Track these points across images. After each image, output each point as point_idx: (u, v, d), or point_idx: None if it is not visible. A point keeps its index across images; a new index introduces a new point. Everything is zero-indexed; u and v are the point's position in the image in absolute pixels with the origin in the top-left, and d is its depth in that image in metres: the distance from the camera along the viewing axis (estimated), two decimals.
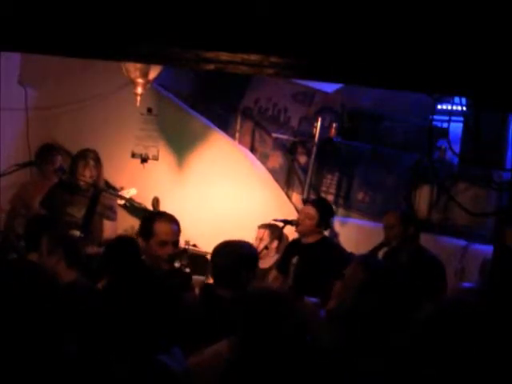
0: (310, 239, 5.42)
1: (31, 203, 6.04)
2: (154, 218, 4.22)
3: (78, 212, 5.73)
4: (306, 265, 5.31)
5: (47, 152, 6.35)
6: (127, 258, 4.00)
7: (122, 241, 4.33)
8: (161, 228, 4.11)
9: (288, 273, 5.44)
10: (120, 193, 6.16)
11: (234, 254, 3.73)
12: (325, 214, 5.45)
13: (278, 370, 2.75)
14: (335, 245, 5.83)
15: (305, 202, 5.78)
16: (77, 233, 5.50)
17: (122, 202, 6.15)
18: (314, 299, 3.93)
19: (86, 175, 5.79)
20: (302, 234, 5.47)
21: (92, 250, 5.30)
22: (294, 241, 5.73)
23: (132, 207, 6.32)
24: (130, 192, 6.18)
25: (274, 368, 2.75)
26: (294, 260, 5.41)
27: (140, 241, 4.15)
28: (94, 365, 2.47)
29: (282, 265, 5.61)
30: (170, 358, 2.76)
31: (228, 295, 3.57)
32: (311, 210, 5.43)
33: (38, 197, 5.95)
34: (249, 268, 3.76)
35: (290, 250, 5.64)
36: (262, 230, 6.08)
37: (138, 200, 6.30)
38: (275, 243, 6.12)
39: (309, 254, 5.32)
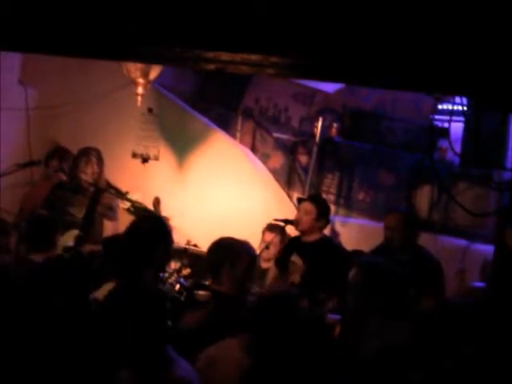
0: (311, 238, 5.42)
1: (40, 204, 6.02)
2: None
3: (79, 212, 5.71)
4: (306, 263, 5.31)
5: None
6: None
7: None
8: None
9: (287, 270, 5.44)
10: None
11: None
12: (322, 207, 5.46)
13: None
14: (335, 244, 5.83)
15: (300, 200, 5.77)
16: (77, 233, 5.50)
17: (125, 206, 6.10)
18: (336, 316, 3.97)
19: (88, 172, 5.78)
20: (303, 232, 5.46)
21: (90, 247, 5.28)
22: (294, 238, 5.73)
23: (135, 211, 6.27)
24: (134, 197, 6.16)
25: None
26: (294, 257, 5.41)
27: None
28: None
29: (281, 262, 5.60)
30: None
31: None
32: (308, 206, 5.43)
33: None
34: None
35: (289, 247, 5.63)
36: (270, 234, 6.02)
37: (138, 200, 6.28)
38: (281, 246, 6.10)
39: (309, 253, 5.32)
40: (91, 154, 5.86)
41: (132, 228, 4.10)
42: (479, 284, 4.79)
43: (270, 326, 3.03)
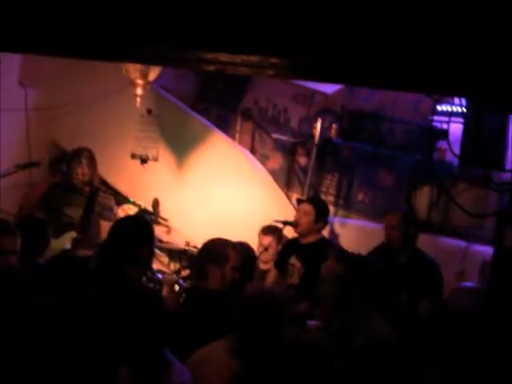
0: (309, 239, 5.42)
1: (38, 205, 6.03)
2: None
3: (76, 213, 5.72)
4: (305, 265, 5.32)
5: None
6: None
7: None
8: None
9: (286, 272, 5.45)
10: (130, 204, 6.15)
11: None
12: (320, 208, 5.47)
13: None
14: (333, 245, 5.83)
15: (299, 201, 5.79)
16: (74, 235, 5.49)
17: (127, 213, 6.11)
18: (313, 322, 3.96)
19: (79, 173, 5.79)
20: (301, 233, 5.47)
21: (87, 252, 5.26)
22: (292, 240, 5.73)
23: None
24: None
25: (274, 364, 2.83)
26: (292, 260, 5.41)
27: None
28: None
29: (280, 264, 5.61)
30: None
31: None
32: (307, 207, 5.45)
33: None
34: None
35: (287, 249, 5.63)
36: (267, 237, 6.02)
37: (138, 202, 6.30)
38: (279, 247, 6.11)
39: (308, 255, 5.32)
40: (82, 155, 5.86)
41: (115, 228, 4.10)
42: (468, 284, 4.79)
43: (254, 326, 3.01)
